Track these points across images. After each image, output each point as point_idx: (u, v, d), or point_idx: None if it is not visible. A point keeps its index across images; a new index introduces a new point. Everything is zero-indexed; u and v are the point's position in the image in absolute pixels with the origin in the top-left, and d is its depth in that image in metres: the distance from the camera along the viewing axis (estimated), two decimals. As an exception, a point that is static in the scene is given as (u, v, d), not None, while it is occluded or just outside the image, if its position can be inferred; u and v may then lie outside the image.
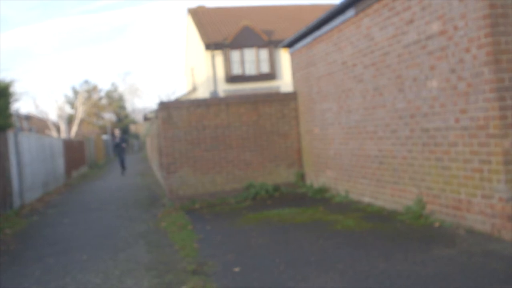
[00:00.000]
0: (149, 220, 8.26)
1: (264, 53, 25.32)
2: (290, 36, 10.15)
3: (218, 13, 28.36)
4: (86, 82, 52.77)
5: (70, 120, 41.95)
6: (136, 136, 59.06)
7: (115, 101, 53.58)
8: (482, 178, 5.11)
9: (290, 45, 10.34)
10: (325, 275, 4.35)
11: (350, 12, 7.48)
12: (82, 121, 41.36)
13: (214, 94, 23.68)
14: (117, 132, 21.17)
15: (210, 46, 24.73)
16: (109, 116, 50.38)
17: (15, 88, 13.91)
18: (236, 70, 25.20)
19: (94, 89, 50.46)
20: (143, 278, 4.78)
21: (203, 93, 25.80)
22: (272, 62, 25.34)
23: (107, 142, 41.99)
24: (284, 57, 24.14)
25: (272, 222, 6.94)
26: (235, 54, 25.08)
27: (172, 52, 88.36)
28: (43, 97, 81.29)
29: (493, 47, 4.82)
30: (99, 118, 48.79)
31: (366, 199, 7.70)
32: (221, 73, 25.10)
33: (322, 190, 9.14)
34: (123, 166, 20.67)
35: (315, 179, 9.64)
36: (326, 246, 5.34)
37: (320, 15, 8.40)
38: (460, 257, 4.50)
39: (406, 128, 6.40)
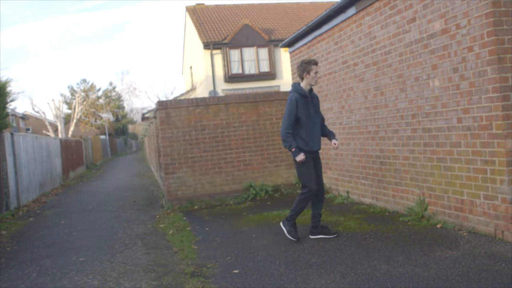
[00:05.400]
0: (147, 221, 8.18)
1: (264, 52, 25.24)
2: (290, 34, 10.08)
3: (217, 11, 28.24)
4: (84, 81, 52.74)
5: (67, 120, 41.86)
6: (134, 136, 58.98)
7: (113, 100, 53.53)
8: (485, 179, 5.04)
9: (290, 44, 10.26)
10: (326, 277, 4.29)
11: (351, 11, 7.41)
12: (79, 121, 41.25)
13: (213, 93, 23.61)
14: None
15: (209, 45, 24.64)
16: (107, 116, 50.31)
17: (12, 88, 13.81)
18: (236, 69, 25.11)
19: (92, 88, 50.40)
20: (141, 280, 4.71)
21: (202, 92, 25.71)
22: (272, 61, 25.26)
23: (104, 142, 41.86)
24: (284, 56, 24.07)
25: (272, 224, 6.87)
26: (234, 53, 24.99)
27: (170, 51, 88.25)
28: (40, 97, 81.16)
29: (497, 46, 4.75)
30: (97, 118, 48.70)
31: (368, 200, 7.63)
32: (220, 72, 25.01)
33: (322, 191, 9.05)
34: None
35: (315, 180, 9.55)
36: (327, 248, 5.27)
37: (320, 13, 8.32)
38: (463, 259, 4.43)
39: (408, 128, 6.33)
